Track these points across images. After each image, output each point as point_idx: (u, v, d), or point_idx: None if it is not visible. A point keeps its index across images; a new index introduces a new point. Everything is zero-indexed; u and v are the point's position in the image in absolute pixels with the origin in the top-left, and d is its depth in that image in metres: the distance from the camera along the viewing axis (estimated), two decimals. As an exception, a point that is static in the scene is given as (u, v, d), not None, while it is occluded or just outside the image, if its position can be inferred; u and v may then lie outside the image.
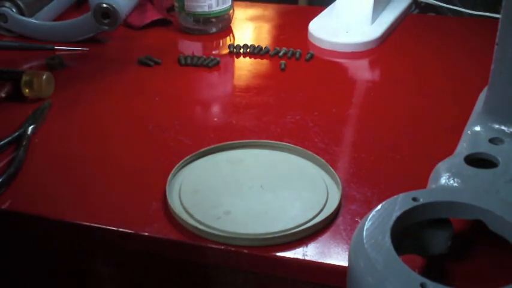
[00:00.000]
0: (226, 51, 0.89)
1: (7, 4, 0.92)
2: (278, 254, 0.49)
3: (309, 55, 0.86)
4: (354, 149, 0.64)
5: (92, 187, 0.58)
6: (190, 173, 0.58)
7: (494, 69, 0.52)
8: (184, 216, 0.52)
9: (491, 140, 0.53)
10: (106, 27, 0.89)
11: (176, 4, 0.94)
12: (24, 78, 0.73)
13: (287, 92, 0.77)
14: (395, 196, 0.43)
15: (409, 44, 0.92)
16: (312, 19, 0.95)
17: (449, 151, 0.54)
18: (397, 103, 0.74)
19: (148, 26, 0.97)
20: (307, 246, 0.50)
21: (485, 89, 0.55)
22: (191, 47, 0.93)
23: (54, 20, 0.98)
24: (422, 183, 0.52)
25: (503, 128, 0.53)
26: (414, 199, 0.42)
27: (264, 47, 0.88)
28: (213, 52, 0.91)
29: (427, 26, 1.00)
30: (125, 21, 0.96)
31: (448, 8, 1.07)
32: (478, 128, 0.54)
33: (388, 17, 0.96)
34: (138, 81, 0.81)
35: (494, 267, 0.47)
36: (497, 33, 0.51)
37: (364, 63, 0.88)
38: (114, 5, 0.85)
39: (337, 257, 0.49)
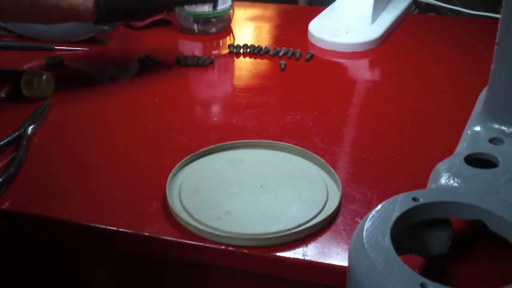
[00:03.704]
0: (226, 51, 0.89)
1: (7, 4, 0.92)
2: (278, 254, 0.49)
3: (309, 55, 0.86)
4: (354, 149, 0.64)
5: (92, 187, 0.58)
6: (190, 173, 0.58)
7: (494, 69, 0.52)
8: (184, 216, 0.52)
9: (491, 140, 0.53)
10: (106, 27, 0.89)
11: (176, 4, 0.94)
12: (24, 78, 0.73)
13: (287, 92, 0.77)
14: (395, 196, 0.43)
15: (409, 44, 0.92)
16: (312, 19, 0.96)
17: (449, 151, 0.54)
18: (397, 103, 0.74)
19: (148, 26, 0.97)
20: (307, 246, 0.50)
21: (485, 89, 0.55)
22: (191, 47, 0.93)
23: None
24: (422, 183, 0.52)
25: (503, 128, 0.53)
26: (414, 199, 0.42)
27: (264, 47, 0.88)
28: (213, 52, 0.91)
29: (427, 26, 1.00)
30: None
31: (448, 8, 1.07)
32: (478, 128, 0.54)
33: (388, 17, 0.96)
34: (138, 81, 0.81)
35: (495, 267, 0.47)
36: (497, 33, 0.51)
37: (364, 63, 0.88)
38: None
39: (337, 257, 0.49)
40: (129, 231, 0.52)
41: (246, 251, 0.49)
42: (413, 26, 0.99)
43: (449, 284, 0.36)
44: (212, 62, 0.84)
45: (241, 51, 0.89)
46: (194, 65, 0.84)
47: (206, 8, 0.90)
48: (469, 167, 0.49)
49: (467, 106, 0.61)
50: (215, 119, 0.73)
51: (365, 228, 0.40)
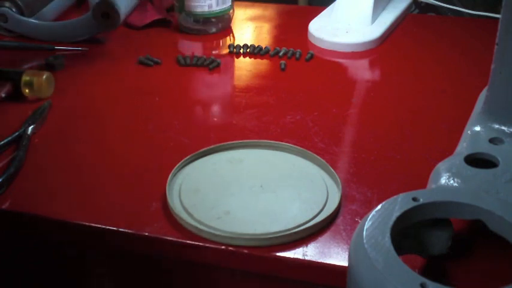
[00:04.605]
0: (226, 51, 0.89)
1: (7, 4, 0.92)
2: (278, 254, 0.49)
3: (309, 55, 0.86)
4: (354, 149, 0.64)
5: (92, 187, 0.58)
6: (190, 173, 0.58)
7: (494, 69, 0.52)
8: (184, 216, 0.52)
9: (491, 140, 0.53)
10: (106, 27, 0.88)
11: (176, 4, 0.94)
12: (24, 78, 0.73)
13: (287, 92, 0.77)
14: (395, 196, 0.43)
15: (409, 44, 0.92)
16: (312, 19, 0.95)
17: (449, 151, 0.54)
18: (397, 103, 0.74)
19: (148, 26, 0.97)
20: (307, 246, 0.50)
21: (485, 89, 0.55)
22: (191, 47, 0.93)
23: (54, 20, 0.98)
24: (422, 183, 0.52)
25: (503, 128, 0.53)
26: (414, 199, 0.42)
27: (264, 47, 0.88)
28: (213, 52, 0.91)
29: (427, 26, 1.00)
30: (124, 21, 0.96)
31: (448, 8, 1.07)
32: (478, 128, 0.54)
33: (388, 17, 0.96)
34: (138, 81, 0.81)
35: (494, 267, 0.47)
36: (497, 33, 0.51)
37: (364, 63, 0.88)
38: (114, 5, 0.85)
39: (337, 257, 0.49)
40: (129, 231, 0.52)
41: (246, 251, 0.49)
42: (413, 26, 0.99)
43: (449, 284, 0.36)
44: (218, 65, 0.83)
45: (241, 51, 0.89)
46: (194, 65, 0.84)
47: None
48: (469, 167, 0.49)
49: (467, 106, 0.61)
50: (215, 119, 0.73)
51: (365, 228, 0.40)
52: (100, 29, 0.89)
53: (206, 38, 0.95)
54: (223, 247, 0.50)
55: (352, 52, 0.88)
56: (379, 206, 0.42)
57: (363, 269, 0.37)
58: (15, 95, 0.74)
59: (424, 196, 0.43)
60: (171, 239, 0.51)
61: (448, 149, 0.56)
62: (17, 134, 0.65)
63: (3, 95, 0.73)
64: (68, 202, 0.56)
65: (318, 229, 0.51)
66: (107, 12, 0.87)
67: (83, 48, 0.89)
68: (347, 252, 0.48)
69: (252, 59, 0.87)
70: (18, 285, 0.65)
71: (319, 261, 0.48)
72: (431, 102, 0.74)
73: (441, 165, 0.50)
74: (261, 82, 0.80)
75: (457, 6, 1.06)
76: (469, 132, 0.55)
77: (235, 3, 1.00)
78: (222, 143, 0.62)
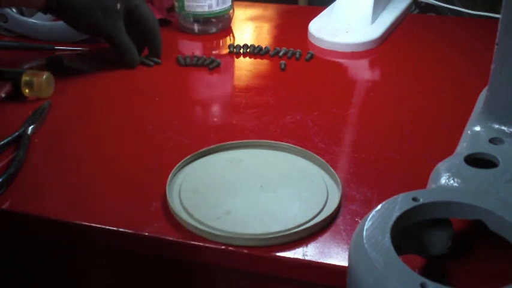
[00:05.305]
0: (226, 51, 0.89)
1: (7, 4, 0.92)
2: (278, 254, 0.49)
3: (309, 55, 0.86)
4: (354, 149, 0.64)
5: (92, 187, 0.58)
6: (190, 173, 0.58)
7: (494, 69, 0.52)
8: (184, 216, 0.52)
9: (491, 140, 0.53)
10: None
11: (176, 4, 0.94)
12: (24, 78, 0.73)
13: (287, 92, 0.77)
14: (395, 196, 0.43)
15: (409, 44, 0.92)
16: (312, 19, 0.96)
17: (449, 151, 0.54)
18: (397, 103, 0.74)
19: (148, 26, 0.97)
20: (307, 246, 0.50)
21: (485, 89, 0.55)
22: (191, 47, 0.93)
23: (54, 20, 0.98)
24: (422, 183, 0.52)
25: (503, 128, 0.53)
26: (414, 199, 0.42)
27: (264, 47, 0.88)
28: (213, 52, 0.91)
29: (427, 26, 1.00)
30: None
31: (448, 8, 1.07)
32: (478, 128, 0.54)
33: (388, 17, 0.96)
34: (138, 81, 0.81)
35: (495, 267, 0.47)
36: (497, 33, 0.51)
37: (364, 63, 0.88)
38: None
39: (337, 257, 0.49)
40: (129, 231, 0.52)
41: (246, 251, 0.49)
42: (413, 26, 0.99)
43: (449, 284, 0.36)
44: (218, 65, 0.83)
45: (241, 51, 0.89)
46: (194, 65, 0.84)
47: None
48: (469, 167, 0.49)
49: (467, 106, 0.61)
50: (215, 119, 0.73)
51: (365, 228, 0.40)
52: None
53: (206, 38, 0.95)
54: (223, 247, 0.50)
55: (352, 52, 0.88)
56: (379, 206, 0.42)
57: (363, 269, 0.37)
58: (15, 95, 0.74)
59: (424, 196, 0.43)
60: (171, 239, 0.51)
61: (448, 149, 0.56)
62: (17, 134, 0.65)
63: (3, 95, 0.73)
64: (68, 202, 0.56)
65: (318, 229, 0.51)
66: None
67: (83, 48, 0.89)
68: (347, 252, 0.48)
69: (252, 59, 0.87)
70: (18, 285, 0.65)
71: (319, 261, 0.48)
72: (431, 102, 0.74)
73: (441, 165, 0.50)
74: (261, 82, 0.80)
75: (457, 6, 1.06)
76: (469, 132, 0.55)
77: (235, 3, 1.00)
78: (222, 143, 0.62)
